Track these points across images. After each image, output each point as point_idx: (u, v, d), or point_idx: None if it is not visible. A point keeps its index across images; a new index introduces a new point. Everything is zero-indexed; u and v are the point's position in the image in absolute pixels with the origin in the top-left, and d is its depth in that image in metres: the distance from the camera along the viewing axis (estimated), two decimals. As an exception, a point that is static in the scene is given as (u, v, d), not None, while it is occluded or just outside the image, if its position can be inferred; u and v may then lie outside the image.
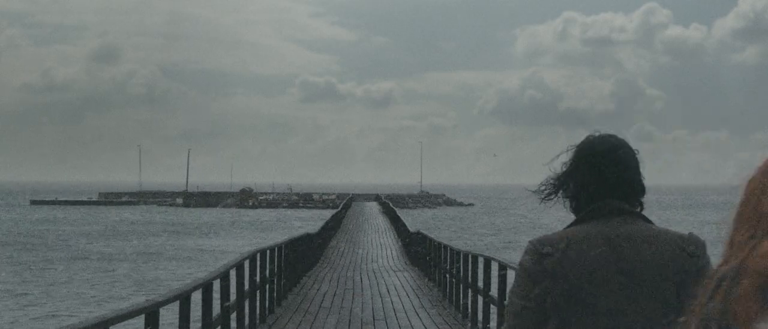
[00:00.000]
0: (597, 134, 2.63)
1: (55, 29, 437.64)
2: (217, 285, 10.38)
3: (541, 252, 2.45)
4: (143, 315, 7.06)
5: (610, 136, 2.62)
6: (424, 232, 24.69)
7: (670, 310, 2.39)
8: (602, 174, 2.54)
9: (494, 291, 12.51)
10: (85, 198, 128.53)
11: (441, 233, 39.51)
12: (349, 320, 14.46)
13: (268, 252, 15.29)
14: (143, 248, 49.19)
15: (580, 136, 2.73)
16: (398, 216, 41.01)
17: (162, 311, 7.47)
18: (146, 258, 43.08)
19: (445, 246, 18.42)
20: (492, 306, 12.84)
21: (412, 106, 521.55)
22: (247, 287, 12.88)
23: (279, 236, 35.84)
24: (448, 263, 17.46)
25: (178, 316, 8.36)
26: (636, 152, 2.62)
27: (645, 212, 2.61)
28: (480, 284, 13.72)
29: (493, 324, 13.05)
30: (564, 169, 2.61)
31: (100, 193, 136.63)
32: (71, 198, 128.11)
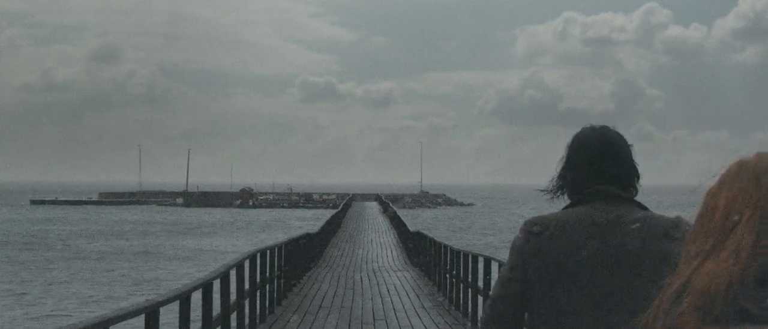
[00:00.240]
0: (589, 126, 2.79)
1: (55, 29, 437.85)
2: (217, 285, 10.37)
3: (530, 230, 2.65)
4: (143, 315, 7.05)
5: (602, 127, 2.78)
6: (424, 232, 24.69)
7: (650, 286, 2.42)
8: (594, 162, 2.69)
9: (494, 291, 12.49)
10: (85, 198, 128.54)
11: (441, 233, 39.50)
12: (349, 320, 14.46)
13: (268, 252, 15.29)
14: (143, 248, 49.18)
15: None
16: (398, 216, 41.01)
17: (162, 311, 7.46)
18: (146, 258, 43.08)
19: (445, 246, 18.42)
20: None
21: (412, 106, 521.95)
22: (247, 287, 12.88)
23: (279, 236, 35.84)
24: (448, 263, 17.46)
25: (178, 316, 8.35)
26: (630, 146, 2.76)
27: None
28: (480, 284, 13.72)
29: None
30: (560, 164, 2.77)
31: (100, 193, 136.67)
32: (71, 198, 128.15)
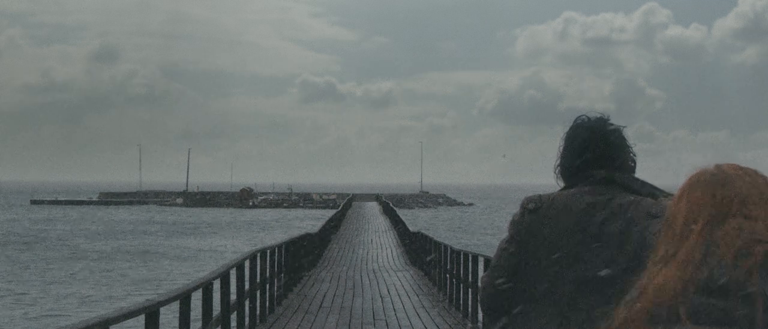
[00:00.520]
0: (585, 115, 2.93)
1: (55, 29, 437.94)
2: (217, 285, 10.38)
3: (526, 206, 2.83)
4: (143, 315, 7.05)
5: (597, 116, 2.92)
6: (424, 232, 24.69)
7: (632, 269, 2.52)
8: (588, 148, 2.84)
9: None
10: (85, 198, 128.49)
11: (441, 234, 39.51)
12: (349, 320, 14.45)
13: (268, 252, 15.29)
14: (143, 248, 49.16)
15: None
16: (398, 216, 41.01)
17: (162, 311, 7.47)
18: (146, 258, 43.05)
19: (445, 246, 18.42)
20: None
21: (411, 106, 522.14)
22: (247, 287, 12.88)
23: (279, 236, 35.83)
24: (448, 263, 17.46)
25: (178, 316, 8.35)
26: (624, 127, 2.91)
27: None
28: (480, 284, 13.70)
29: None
30: (558, 154, 2.92)
31: (100, 193, 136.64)
32: (71, 198, 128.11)
